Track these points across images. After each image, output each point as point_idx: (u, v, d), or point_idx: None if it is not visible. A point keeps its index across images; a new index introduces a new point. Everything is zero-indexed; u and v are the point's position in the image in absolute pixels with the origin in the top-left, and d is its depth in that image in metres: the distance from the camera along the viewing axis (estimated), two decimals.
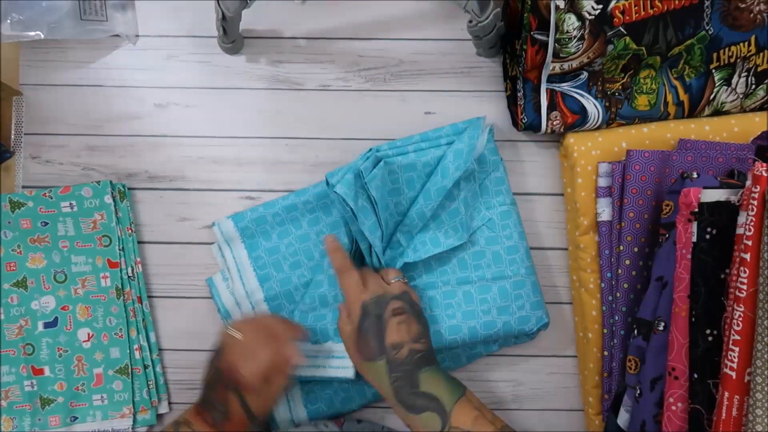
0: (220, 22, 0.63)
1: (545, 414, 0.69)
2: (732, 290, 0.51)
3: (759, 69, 0.62)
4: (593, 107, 0.63)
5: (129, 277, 0.67)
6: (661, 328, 0.55)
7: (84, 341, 0.66)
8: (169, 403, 0.68)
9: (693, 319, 0.52)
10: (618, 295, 0.62)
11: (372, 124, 0.69)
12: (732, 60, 0.62)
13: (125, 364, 0.66)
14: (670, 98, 0.63)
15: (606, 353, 0.63)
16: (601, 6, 0.58)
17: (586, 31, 0.58)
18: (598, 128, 0.65)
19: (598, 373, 0.64)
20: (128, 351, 0.66)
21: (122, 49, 0.70)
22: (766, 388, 0.47)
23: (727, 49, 0.61)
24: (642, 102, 0.63)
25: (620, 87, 0.63)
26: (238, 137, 0.69)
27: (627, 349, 0.59)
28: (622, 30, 0.59)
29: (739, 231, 0.51)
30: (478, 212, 0.66)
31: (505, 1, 0.63)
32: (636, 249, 0.61)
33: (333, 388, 0.65)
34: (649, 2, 0.58)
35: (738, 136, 0.63)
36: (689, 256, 0.52)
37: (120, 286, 0.66)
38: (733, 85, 0.63)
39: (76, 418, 0.65)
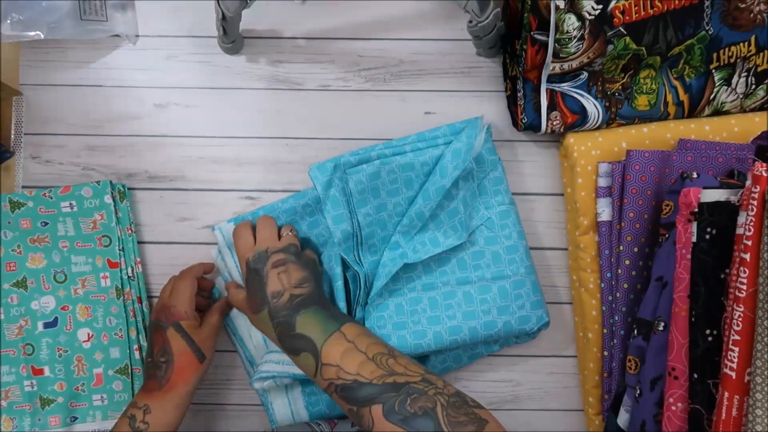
0: (220, 22, 0.63)
1: (545, 414, 0.69)
2: (732, 290, 0.51)
3: (759, 69, 0.62)
4: (593, 107, 0.63)
5: (129, 277, 0.67)
6: (661, 328, 0.55)
7: (84, 341, 0.66)
8: None
9: (693, 319, 0.52)
10: (618, 295, 0.62)
11: (372, 124, 0.69)
12: (732, 60, 0.62)
13: (125, 364, 0.66)
14: (670, 98, 0.63)
15: (606, 353, 0.63)
16: (601, 6, 0.58)
17: (586, 31, 0.58)
18: (598, 128, 0.65)
19: (598, 373, 0.64)
20: (128, 351, 0.66)
21: (122, 49, 0.70)
22: (766, 388, 0.47)
23: (727, 49, 0.61)
24: (642, 102, 0.63)
25: (620, 87, 0.63)
26: (238, 137, 0.69)
27: (627, 349, 0.59)
28: (622, 30, 0.59)
29: (739, 231, 0.51)
30: (477, 212, 0.66)
31: (505, 1, 0.63)
32: (636, 249, 0.61)
33: (291, 376, 0.65)
34: (649, 2, 0.58)
35: (738, 136, 0.63)
36: (689, 256, 0.52)
37: (120, 286, 0.66)
38: (733, 85, 0.63)
39: (76, 418, 0.65)
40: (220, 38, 0.67)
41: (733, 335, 0.49)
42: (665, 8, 0.58)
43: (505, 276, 0.64)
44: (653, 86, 0.63)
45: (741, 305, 0.49)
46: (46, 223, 0.66)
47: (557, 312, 0.68)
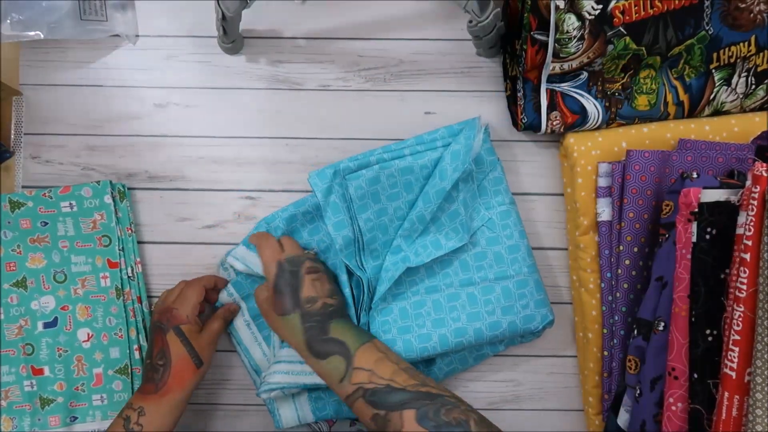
0: (220, 22, 0.63)
1: (545, 414, 0.69)
2: (732, 290, 0.51)
3: (759, 69, 0.62)
4: (593, 107, 0.63)
5: (129, 277, 0.67)
6: (661, 328, 0.55)
7: (84, 341, 0.66)
8: None
9: (693, 319, 0.52)
10: (618, 295, 0.61)
11: (372, 124, 0.69)
12: (732, 60, 0.62)
13: (125, 364, 0.66)
14: (670, 98, 0.63)
15: (606, 353, 0.63)
16: (601, 6, 0.58)
17: (586, 31, 0.58)
18: (598, 128, 0.65)
19: (598, 373, 0.64)
20: (128, 351, 0.66)
21: (122, 49, 0.70)
22: (766, 388, 0.47)
23: (727, 49, 0.61)
24: (642, 102, 0.63)
25: (620, 87, 0.63)
26: (238, 137, 0.69)
27: (627, 349, 0.59)
28: (622, 30, 0.59)
29: (739, 231, 0.51)
30: (477, 213, 0.66)
31: (505, 1, 0.63)
32: (636, 249, 0.61)
33: (301, 386, 0.64)
34: (649, 2, 0.58)
35: (738, 136, 0.63)
36: (689, 256, 0.52)
37: (120, 286, 0.66)
38: (733, 85, 0.63)
39: (75, 418, 0.65)
40: (220, 38, 0.67)
41: (733, 335, 0.49)
42: (665, 8, 0.58)
43: (508, 276, 0.64)
44: (653, 86, 0.63)
45: (741, 305, 0.49)
46: (46, 223, 0.66)
47: (557, 312, 0.68)
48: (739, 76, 0.63)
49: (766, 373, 0.47)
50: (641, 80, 0.63)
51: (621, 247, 0.61)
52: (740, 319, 0.49)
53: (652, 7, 0.58)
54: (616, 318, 0.62)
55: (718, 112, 0.65)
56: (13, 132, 0.69)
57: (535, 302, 0.64)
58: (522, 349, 0.68)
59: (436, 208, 0.62)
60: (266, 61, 0.70)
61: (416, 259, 0.63)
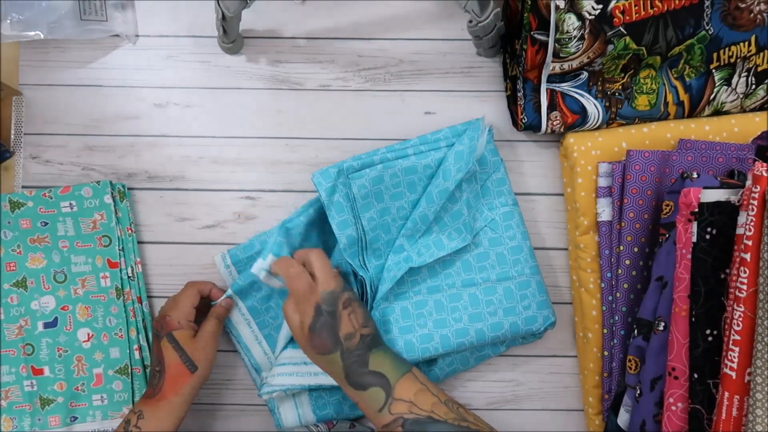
0: (220, 22, 0.63)
1: (545, 414, 0.69)
2: (732, 290, 0.51)
3: (759, 69, 0.62)
4: (593, 107, 0.63)
5: (129, 277, 0.67)
6: (661, 328, 0.55)
7: (84, 341, 0.66)
8: None
9: (693, 319, 0.52)
10: (618, 295, 0.61)
11: (372, 124, 0.69)
12: (732, 60, 0.62)
13: (125, 364, 0.66)
14: (670, 98, 0.63)
15: (606, 353, 0.63)
16: (601, 6, 0.58)
17: (586, 31, 0.58)
18: (598, 128, 0.65)
19: (598, 373, 0.64)
20: (128, 351, 0.66)
21: (122, 49, 0.70)
22: (766, 388, 0.47)
23: (727, 49, 0.61)
24: (642, 102, 0.63)
25: (620, 87, 0.63)
26: (238, 137, 0.69)
27: (627, 349, 0.59)
28: (622, 30, 0.59)
29: (739, 231, 0.51)
30: (480, 213, 0.66)
31: (505, 1, 0.63)
32: (636, 249, 0.61)
33: (342, 393, 0.65)
34: (649, 2, 0.58)
35: (738, 136, 0.63)
36: (689, 256, 0.52)
37: (120, 286, 0.66)
38: (733, 85, 0.63)
39: (76, 418, 0.65)
40: (220, 38, 0.67)
41: (734, 335, 0.49)
42: (665, 8, 0.58)
43: (510, 277, 0.64)
44: (653, 86, 0.63)
45: (741, 305, 0.49)
46: (46, 223, 0.66)
47: (557, 312, 0.68)
48: (740, 76, 0.63)
49: (766, 373, 0.47)
50: (641, 80, 0.63)
51: (621, 247, 0.61)
52: (740, 319, 0.49)
53: (652, 7, 0.58)
54: (616, 318, 0.62)
55: (718, 112, 0.65)
56: (13, 132, 0.69)
57: (537, 303, 0.64)
58: (522, 349, 0.68)
59: (439, 208, 0.62)
60: (266, 61, 0.70)
61: (419, 259, 0.63)
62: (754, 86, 0.63)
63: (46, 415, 0.65)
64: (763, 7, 0.60)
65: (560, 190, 0.69)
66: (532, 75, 0.63)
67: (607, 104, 0.63)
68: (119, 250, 0.66)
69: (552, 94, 0.63)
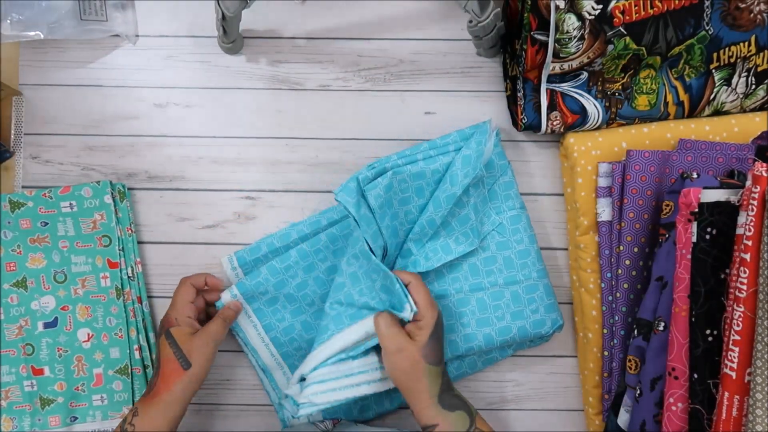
0: (220, 22, 0.63)
1: (545, 414, 0.69)
2: (732, 290, 0.51)
3: (759, 69, 0.62)
4: (593, 107, 0.63)
5: (129, 277, 0.67)
6: (661, 328, 0.55)
7: (84, 341, 0.66)
8: None
9: (693, 319, 0.52)
10: (618, 295, 0.61)
11: (372, 124, 0.69)
12: (732, 60, 0.62)
13: (125, 364, 0.66)
14: (670, 98, 0.63)
15: (606, 353, 0.63)
16: (601, 6, 0.58)
17: (586, 31, 0.58)
18: (598, 128, 0.65)
19: (598, 373, 0.64)
20: (128, 351, 0.66)
21: (122, 49, 0.70)
22: (766, 388, 0.47)
23: (727, 49, 0.61)
24: (642, 102, 0.63)
25: (620, 87, 0.63)
26: (238, 137, 0.69)
27: (627, 349, 0.59)
28: (622, 30, 0.59)
29: (739, 231, 0.51)
30: (488, 217, 0.66)
31: (505, 1, 0.63)
32: (636, 249, 0.61)
33: (350, 400, 0.64)
34: (649, 2, 0.58)
35: (738, 136, 0.63)
36: (689, 256, 0.52)
37: (120, 286, 0.66)
38: (733, 85, 0.63)
39: (76, 418, 0.65)
40: (220, 38, 0.67)
41: (733, 335, 0.49)
42: (665, 8, 0.58)
43: (517, 281, 0.64)
44: (653, 86, 0.63)
45: (741, 305, 0.49)
46: (46, 223, 0.66)
47: None
48: (739, 76, 0.63)
49: (766, 373, 0.47)
50: (641, 80, 0.63)
51: (621, 247, 0.61)
52: (740, 319, 0.49)
53: (652, 7, 0.58)
54: (616, 318, 0.62)
55: (718, 112, 0.65)
56: (13, 132, 0.69)
57: (545, 307, 0.64)
58: (522, 349, 0.68)
59: (447, 212, 0.62)
60: (266, 61, 0.70)
61: (426, 263, 0.63)
62: (754, 86, 0.63)
63: (46, 415, 0.65)
64: (763, 7, 0.60)
65: (560, 190, 0.69)
66: (532, 75, 0.63)
67: (607, 104, 0.63)
68: (119, 250, 0.66)
69: (552, 94, 0.63)
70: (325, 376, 0.59)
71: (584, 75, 0.62)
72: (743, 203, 0.51)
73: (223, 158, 0.69)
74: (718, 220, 0.52)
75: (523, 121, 0.65)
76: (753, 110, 0.65)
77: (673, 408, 0.53)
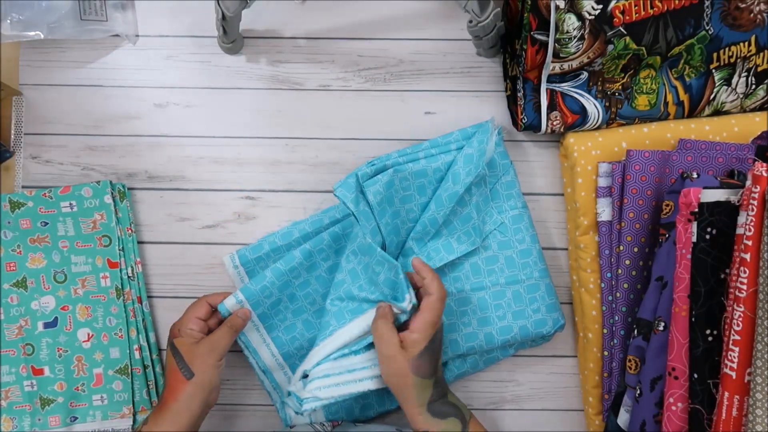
0: (220, 22, 0.63)
1: (545, 414, 0.69)
2: (732, 290, 0.51)
3: (759, 69, 0.62)
4: (593, 107, 0.63)
5: (129, 277, 0.67)
6: (661, 328, 0.55)
7: (84, 341, 0.66)
8: None
9: (693, 319, 0.52)
10: (618, 295, 0.61)
11: (372, 124, 0.69)
12: (732, 60, 0.62)
13: (125, 364, 0.66)
14: (670, 98, 0.63)
15: (606, 353, 0.63)
16: (601, 6, 0.58)
17: (586, 31, 0.58)
18: (598, 128, 0.65)
19: (598, 373, 0.64)
20: (128, 351, 0.66)
21: (122, 49, 0.70)
22: (766, 388, 0.47)
23: (727, 49, 0.61)
24: (642, 102, 0.63)
25: (620, 87, 0.63)
26: (238, 137, 0.69)
27: (627, 349, 0.59)
28: (622, 30, 0.59)
29: (739, 231, 0.51)
30: (490, 217, 0.66)
31: (505, 1, 0.63)
32: (636, 249, 0.61)
33: (353, 395, 0.64)
34: (649, 2, 0.58)
35: (738, 136, 0.63)
36: (689, 256, 0.52)
37: (120, 286, 0.66)
38: (733, 85, 0.63)
39: (76, 418, 0.65)
40: (220, 38, 0.67)
41: (734, 335, 0.49)
42: (665, 8, 0.58)
43: (519, 280, 0.64)
44: (653, 86, 0.63)
45: (741, 305, 0.49)
46: (46, 223, 0.66)
47: None
48: (739, 76, 0.63)
49: (766, 373, 0.47)
50: (641, 80, 0.63)
51: (621, 247, 0.61)
52: (740, 319, 0.49)
53: (652, 7, 0.58)
54: (616, 318, 0.62)
55: (718, 112, 0.65)
56: (13, 132, 0.69)
57: (547, 306, 0.64)
58: (523, 349, 0.68)
59: (449, 211, 0.62)
60: (266, 61, 0.70)
61: (428, 262, 0.62)
62: (754, 86, 0.63)
63: (46, 415, 0.65)
64: (763, 7, 0.60)
65: (560, 190, 0.69)
66: (532, 75, 0.63)
67: (607, 104, 0.63)
68: (119, 250, 0.66)
69: (552, 94, 0.63)
70: (328, 371, 0.59)
71: (584, 75, 0.62)
72: (743, 203, 0.51)
73: (223, 158, 0.69)
74: (718, 220, 0.52)
75: (523, 121, 0.65)
76: (753, 110, 0.65)
77: (673, 408, 0.53)
